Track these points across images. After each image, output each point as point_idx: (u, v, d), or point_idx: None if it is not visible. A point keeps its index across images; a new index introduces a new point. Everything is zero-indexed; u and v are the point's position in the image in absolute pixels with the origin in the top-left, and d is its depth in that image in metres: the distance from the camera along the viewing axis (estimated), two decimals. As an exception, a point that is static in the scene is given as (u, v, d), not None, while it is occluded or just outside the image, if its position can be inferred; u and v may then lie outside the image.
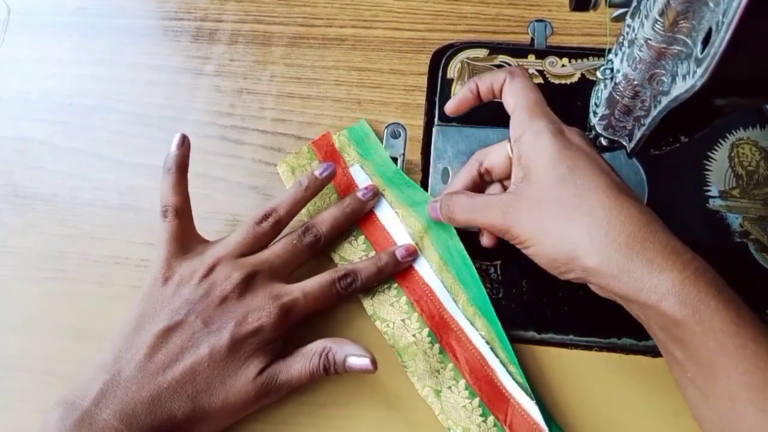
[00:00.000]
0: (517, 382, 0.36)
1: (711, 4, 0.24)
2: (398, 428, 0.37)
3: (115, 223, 0.44)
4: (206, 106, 0.47)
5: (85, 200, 0.45)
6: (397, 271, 0.40)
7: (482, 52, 0.47)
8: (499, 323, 0.37)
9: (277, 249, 0.38)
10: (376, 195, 0.42)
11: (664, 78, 0.29)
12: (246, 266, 0.37)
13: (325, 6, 0.51)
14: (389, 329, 0.38)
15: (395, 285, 0.40)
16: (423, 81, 0.47)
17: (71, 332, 0.40)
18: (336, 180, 0.43)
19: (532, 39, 0.48)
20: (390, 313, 0.39)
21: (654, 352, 0.37)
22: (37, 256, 0.43)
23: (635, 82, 0.31)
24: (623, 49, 0.32)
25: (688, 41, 0.27)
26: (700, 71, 0.24)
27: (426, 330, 0.38)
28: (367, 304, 0.39)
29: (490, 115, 0.43)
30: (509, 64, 0.47)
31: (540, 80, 0.46)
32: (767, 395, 0.28)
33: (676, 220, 0.41)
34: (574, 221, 0.32)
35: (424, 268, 0.40)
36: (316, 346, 0.35)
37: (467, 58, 0.47)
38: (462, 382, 0.36)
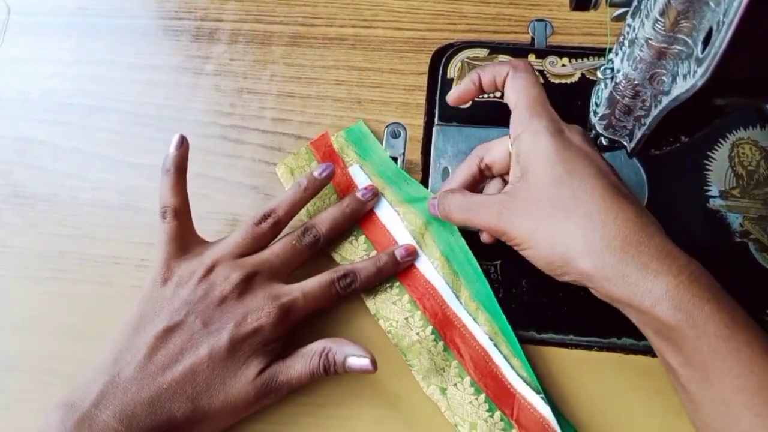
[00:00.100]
0: (522, 377, 0.36)
1: (712, 4, 0.24)
2: (398, 428, 0.37)
3: (115, 223, 0.44)
4: (206, 105, 0.47)
5: (85, 200, 0.45)
6: (396, 271, 0.40)
7: (482, 52, 0.47)
8: (503, 316, 0.38)
9: (276, 249, 0.38)
10: (375, 195, 0.42)
11: (664, 78, 0.29)
12: (245, 266, 0.37)
13: (325, 5, 0.51)
14: (393, 328, 0.38)
15: (397, 283, 0.40)
16: (423, 81, 0.47)
17: (71, 332, 0.40)
18: (335, 180, 0.43)
19: (533, 38, 0.48)
20: (393, 311, 0.39)
21: (654, 353, 0.37)
22: (37, 256, 0.43)
23: (636, 82, 0.31)
24: (624, 48, 0.32)
25: (689, 41, 0.27)
26: (700, 71, 0.24)
27: (429, 328, 0.38)
28: (370, 303, 0.39)
29: (490, 114, 0.43)
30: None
31: (540, 80, 0.46)
32: (761, 399, 0.28)
33: (676, 220, 0.41)
34: (570, 224, 0.32)
35: (425, 265, 0.40)
36: (316, 347, 0.35)
37: (467, 58, 0.47)
38: (467, 379, 0.37)
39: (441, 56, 0.47)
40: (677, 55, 0.28)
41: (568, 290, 0.38)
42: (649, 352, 0.37)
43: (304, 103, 0.47)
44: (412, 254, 0.40)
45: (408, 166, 0.44)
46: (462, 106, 0.45)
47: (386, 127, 0.45)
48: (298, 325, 0.37)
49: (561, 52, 0.47)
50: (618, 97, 0.33)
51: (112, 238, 0.43)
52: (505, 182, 0.39)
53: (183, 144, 0.40)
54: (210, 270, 0.36)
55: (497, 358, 0.37)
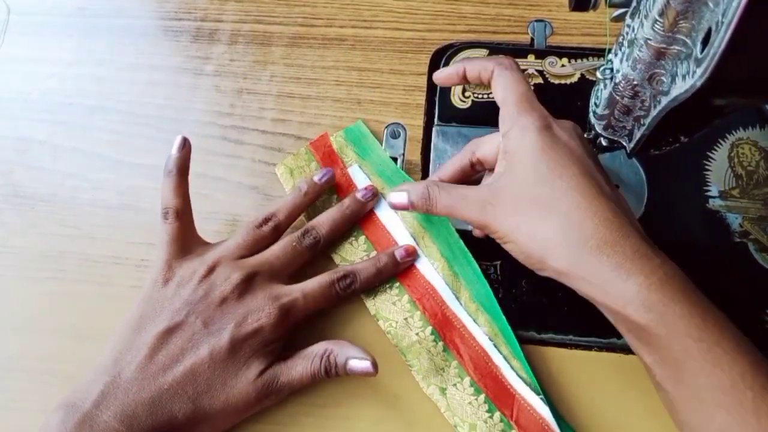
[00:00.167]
0: (522, 377, 0.36)
1: (710, 4, 0.24)
2: (398, 428, 0.37)
3: (115, 223, 0.44)
4: (206, 106, 0.47)
5: (85, 200, 0.45)
6: (396, 272, 0.40)
7: (482, 53, 0.47)
8: (503, 317, 0.38)
9: (276, 250, 0.38)
10: (375, 195, 0.42)
11: (663, 78, 0.29)
12: (245, 267, 0.37)
13: (325, 6, 0.51)
14: (392, 328, 0.38)
15: (397, 284, 0.40)
16: (423, 81, 0.47)
17: (71, 332, 0.40)
18: (335, 181, 0.43)
19: (532, 39, 0.48)
20: (392, 312, 0.39)
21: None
22: (37, 256, 0.43)
23: (635, 82, 0.31)
24: (623, 49, 0.32)
25: (688, 41, 0.27)
26: (699, 71, 0.24)
27: (429, 328, 0.38)
28: (370, 303, 0.39)
29: (489, 114, 0.43)
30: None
31: (540, 80, 0.46)
32: (733, 397, 0.28)
33: (675, 221, 0.41)
34: (549, 221, 0.32)
35: (425, 266, 0.40)
36: (317, 349, 0.36)
37: (466, 58, 0.47)
38: (467, 379, 0.37)
39: (440, 57, 0.47)
40: (676, 55, 0.28)
41: (568, 290, 0.38)
42: (648, 352, 0.37)
43: (304, 104, 0.47)
44: (412, 255, 0.40)
45: (408, 167, 0.44)
46: (461, 107, 0.45)
47: (386, 127, 0.45)
48: (298, 325, 0.37)
49: (560, 52, 0.47)
50: (617, 98, 0.33)
51: (112, 238, 0.43)
52: None
53: (185, 146, 0.40)
54: (211, 270, 0.36)
55: (497, 359, 0.37)
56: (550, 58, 0.47)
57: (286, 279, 0.38)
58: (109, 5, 0.52)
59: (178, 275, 0.37)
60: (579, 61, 0.46)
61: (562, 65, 0.46)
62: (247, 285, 0.36)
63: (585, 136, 0.37)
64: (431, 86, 0.47)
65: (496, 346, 0.37)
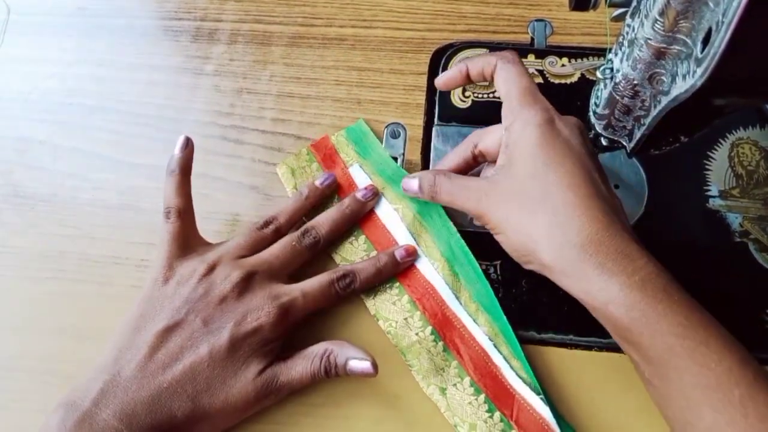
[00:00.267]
0: (522, 378, 0.36)
1: (711, 4, 0.24)
2: (397, 428, 0.37)
3: (115, 223, 0.44)
4: (206, 106, 0.47)
5: (85, 200, 0.45)
6: (396, 272, 0.40)
7: (482, 52, 0.47)
8: (504, 317, 0.38)
9: (276, 250, 0.38)
10: (375, 195, 0.42)
11: (663, 78, 0.29)
12: (245, 266, 0.37)
13: (324, 6, 0.51)
14: (392, 328, 0.38)
15: (397, 284, 0.40)
16: (423, 81, 0.47)
17: (71, 332, 0.40)
18: (336, 185, 0.43)
19: (532, 39, 0.48)
20: (392, 312, 0.39)
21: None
22: (37, 256, 0.43)
23: (635, 82, 0.31)
24: (623, 48, 0.32)
25: (688, 41, 0.27)
26: (699, 71, 0.24)
27: (429, 328, 0.38)
28: (370, 303, 0.39)
29: (490, 114, 0.43)
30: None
31: (540, 80, 0.46)
32: (720, 395, 0.28)
33: (675, 220, 0.41)
34: (538, 215, 0.33)
35: (425, 265, 0.40)
36: (318, 349, 0.36)
37: (467, 58, 0.47)
38: (467, 379, 0.37)
39: (441, 56, 0.47)
40: (676, 55, 0.28)
41: (567, 290, 0.38)
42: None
43: (304, 104, 0.47)
44: (412, 255, 0.40)
45: (408, 166, 0.44)
46: (461, 107, 0.45)
47: (386, 127, 0.45)
48: (298, 325, 0.37)
49: (560, 52, 0.47)
50: (617, 97, 0.33)
51: (112, 238, 0.43)
52: None
53: (188, 146, 0.40)
54: (211, 269, 0.36)
55: (497, 359, 0.37)
56: (551, 58, 0.47)
57: (285, 278, 0.38)
58: (109, 5, 0.52)
59: (178, 274, 0.37)
60: (579, 60, 0.46)
61: (563, 65, 0.46)
62: (246, 284, 0.36)
63: (586, 135, 0.38)
64: (431, 86, 0.47)
65: (496, 346, 0.37)
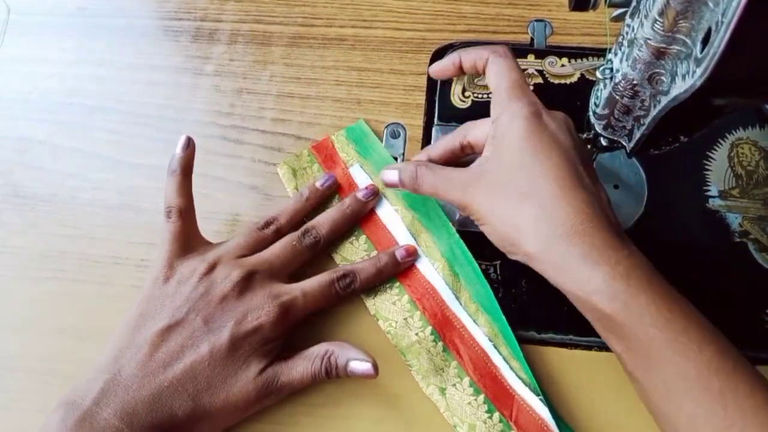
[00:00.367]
0: (521, 378, 0.36)
1: (710, 4, 0.24)
2: (397, 428, 0.37)
3: (115, 223, 0.44)
4: (206, 106, 0.47)
5: (85, 200, 0.45)
6: (397, 272, 0.40)
7: (482, 52, 0.47)
8: (503, 317, 0.38)
9: (276, 249, 0.38)
10: (376, 195, 0.42)
11: (663, 78, 0.29)
12: (245, 265, 0.37)
13: (324, 6, 0.51)
14: (392, 328, 0.38)
15: (397, 284, 0.40)
16: (423, 81, 0.47)
17: (71, 332, 0.40)
18: (337, 186, 0.43)
19: (532, 39, 0.48)
20: (392, 311, 0.39)
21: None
22: (37, 256, 0.43)
23: (635, 82, 0.31)
24: (623, 48, 0.32)
25: (688, 41, 0.27)
26: (699, 71, 0.24)
27: (429, 328, 0.38)
28: (370, 303, 0.39)
29: (489, 115, 0.43)
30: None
31: (540, 80, 0.46)
32: (700, 385, 0.29)
33: (675, 220, 0.41)
34: (524, 206, 0.33)
35: (425, 266, 0.40)
36: (319, 349, 0.36)
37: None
38: (466, 380, 0.37)
39: (440, 56, 0.47)
40: (676, 55, 0.28)
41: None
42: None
43: (304, 104, 0.47)
44: (412, 255, 0.40)
45: (408, 166, 0.44)
46: (461, 107, 0.45)
47: (386, 127, 0.45)
48: (298, 324, 0.37)
49: (560, 52, 0.47)
50: (617, 97, 0.33)
51: (112, 238, 0.43)
52: None
53: (189, 145, 0.40)
54: (211, 268, 0.37)
55: (496, 360, 0.37)
56: (550, 58, 0.47)
57: (285, 278, 0.38)
58: (109, 5, 0.52)
59: (178, 273, 0.37)
60: (579, 60, 0.46)
61: (562, 65, 0.46)
62: (247, 283, 0.36)
63: (585, 136, 0.38)
64: (431, 86, 0.47)
65: (495, 347, 0.37)
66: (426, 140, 0.45)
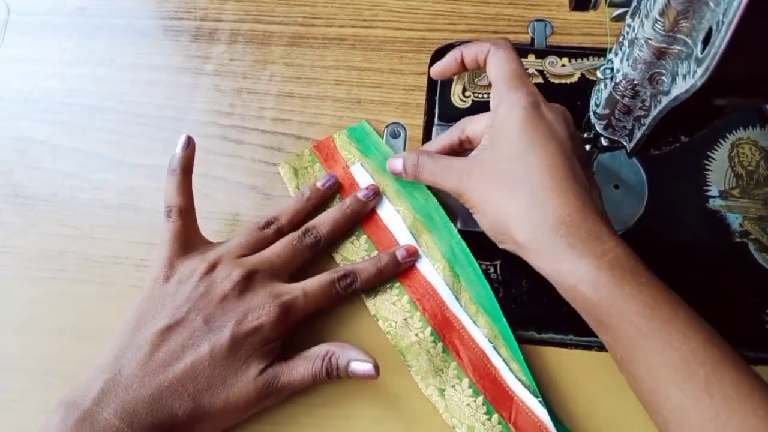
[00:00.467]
0: (521, 380, 0.36)
1: (711, 4, 0.24)
2: (397, 428, 0.37)
3: (115, 223, 0.44)
4: (206, 105, 0.47)
5: (85, 200, 0.45)
6: (397, 272, 0.40)
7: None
8: (503, 319, 0.38)
9: (277, 249, 0.38)
10: (376, 195, 0.42)
11: (664, 78, 0.29)
12: (246, 265, 0.37)
13: (324, 6, 0.51)
14: (392, 329, 0.38)
15: (397, 284, 0.40)
16: (423, 80, 0.47)
17: (71, 332, 0.40)
18: (338, 186, 0.43)
19: (532, 39, 0.48)
20: (392, 312, 0.39)
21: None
22: (37, 256, 0.43)
23: (635, 82, 0.31)
24: (623, 48, 0.32)
25: (689, 41, 0.27)
26: (700, 71, 0.24)
27: (429, 329, 0.38)
28: (369, 303, 0.39)
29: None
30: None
31: (540, 80, 0.46)
32: (685, 374, 0.29)
33: (676, 220, 0.41)
34: (516, 195, 0.34)
35: (425, 266, 0.40)
36: (319, 350, 0.36)
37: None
38: (466, 381, 0.37)
39: (441, 56, 0.47)
40: (677, 55, 0.28)
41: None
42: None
43: (304, 103, 0.47)
44: (413, 255, 0.40)
45: (408, 166, 0.44)
46: (462, 107, 0.45)
47: (386, 127, 0.45)
48: (298, 324, 0.37)
49: (561, 52, 0.47)
50: (617, 97, 0.33)
51: (112, 238, 0.43)
52: None
53: (189, 145, 0.40)
54: (212, 268, 0.37)
55: (496, 361, 0.37)
56: (551, 58, 0.47)
57: (286, 278, 0.38)
58: (109, 5, 0.52)
59: (179, 272, 0.37)
60: (579, 60, 0.46)
61: (563, 65, 0.46)
62: (247, 282, 0.36)
63: (585, 135, 0.38)
64: (431, 86, 0.47)
65: (495, 348, 0.37)
66: (426, 140, 0.45)
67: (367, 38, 0.49)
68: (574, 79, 0.46)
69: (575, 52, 0.47)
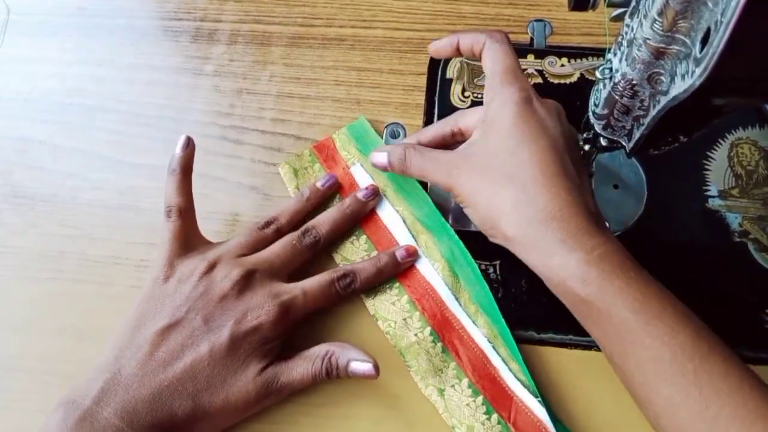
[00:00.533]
0: (520, 380, 0.36)
1: (710, 4, 0.24)
2: (397, 428, 0.37)
3: (115, 223, 0.44)
4: (206, 106, 0.48)
5: (85, 200, 0.45)
6: (397, 272, 0.40)
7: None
8: (502, 319, 0.38)
9: (276, 249, 0.39)
10: (376, 195, 0.42)
11: (662, 78, 0.29)
12: (245, 264, 0.37)
13: (324, 6, 0.51)
14: (391, 329, 0.38)
15: (396, 284, 0.40)
16: (422, 81, 0.47)
17: (71, 332, 0.40)
18: (338, 186, 0.43)
19: (532, 39, 0.48)
20: (391, 312, 0.39)
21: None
22: (37, 256, 0.43)
23: (634, 82, 0.31)
24: (622, 48, 0.32)
25: (687, 41, 0.27)
26: (698, 71, 0.24)
27: (428, 329, 0.38)
28: (369, 303, 0.39)
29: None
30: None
31: (539, 80, 0.46)
32: (675, 368, 0.29)
33: (675, 220, 0.41)
34: (507, 190, 0.34)
35: (425, 266, 0.40)
36: (319, 350, 0.36)
37: (466, 59, 0.47)
38: (465, 381, 0.37)
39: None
40: (675, 55, 0.28)
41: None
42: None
43: (304, 104, 0.47)
44: (412, 255, 0.40)
45: (407, 166, 0.44)
46: (461, 107, 0.45)
47: (386, 127, 0.46)
48: (298, 324, 0.37)
49: (560, 52, 0.47)
50: (616, 97, 0.33)
51: (112, 238, 0.43)
52: None
53: (189, 145, 0.40)
54: (211, 267, 0.37)
55: (495, 361, 0.37)
56: (550, 58, 0.47)
57: (285, 277, 0.38)
58: (109, 5, 0.52)
59: (179, 272, 0.37)
60: (578, 60, 0.46)
61: (562, 65, 0.46)
62: (246, 282, 0.36)
63: (584, 135, 0.38)
64: (431, 86, 0.47)
65: (494, 348, 0.37)
66: (426, 140, 0.45)
67: (367, 38, 0.49)
68: (574, 79, 0.46)
69: (574, 52, 0.47)
